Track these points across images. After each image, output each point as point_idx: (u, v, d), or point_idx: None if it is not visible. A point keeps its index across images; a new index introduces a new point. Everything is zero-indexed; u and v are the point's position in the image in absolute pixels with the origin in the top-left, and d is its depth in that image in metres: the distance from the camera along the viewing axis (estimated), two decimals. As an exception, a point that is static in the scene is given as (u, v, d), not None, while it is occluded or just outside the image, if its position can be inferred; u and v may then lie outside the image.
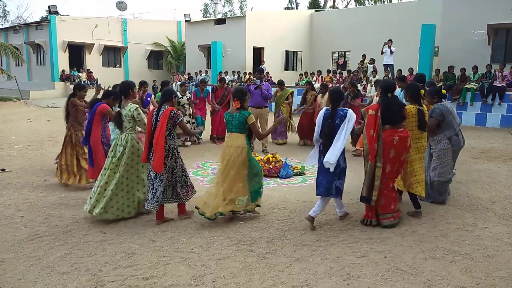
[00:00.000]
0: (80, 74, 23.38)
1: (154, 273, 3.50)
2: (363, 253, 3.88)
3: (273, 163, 7.05)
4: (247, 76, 19.64)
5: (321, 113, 4.60)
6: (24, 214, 5.00)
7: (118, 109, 5.00)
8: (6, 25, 32.23)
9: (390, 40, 15.51)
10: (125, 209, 4.75)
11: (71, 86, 22.40)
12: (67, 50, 23.85)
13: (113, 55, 26.31)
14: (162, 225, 4.57)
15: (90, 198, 4.76)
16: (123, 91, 4.85)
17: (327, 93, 6.03)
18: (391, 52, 15.37)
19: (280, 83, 10.21)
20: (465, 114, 13.00)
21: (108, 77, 24.71)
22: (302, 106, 10.06)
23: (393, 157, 4.43)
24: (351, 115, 4.42)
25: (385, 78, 15.07)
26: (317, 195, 4.57)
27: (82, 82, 23.07)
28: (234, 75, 20.49)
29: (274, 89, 10.00)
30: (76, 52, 24.57)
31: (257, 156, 7.54)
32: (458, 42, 14.93)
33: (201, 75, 22.25)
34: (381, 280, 3.37)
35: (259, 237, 4.23)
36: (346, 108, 4.56)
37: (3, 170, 7.22)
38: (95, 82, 24.00)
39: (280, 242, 4.13)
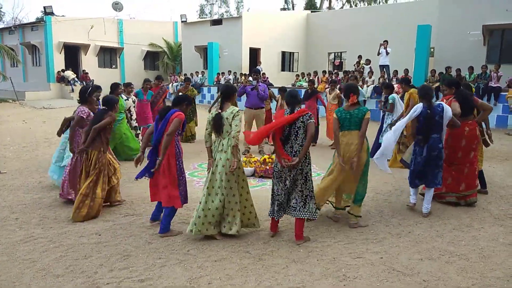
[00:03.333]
0: (65, 73, 23.12)
1: (149, 275, 3.49)
2: (359, 253, 3.88)
3: (269, 164, 7.03)
4: (243, 78, 19.65)
5: (417, 109, 4.83)
6: (19, 216, 4.97)
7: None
8: (1, 26, 32.02)
9: (386, 41, 15.55)
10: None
11: (67, 87, 22.65)
12: (62, 51, 23.74)
13: (109, 56, 26.22)
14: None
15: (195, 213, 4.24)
16: (226, 93, 4.38)
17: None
18: (387, 53, 15.41)
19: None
20: (461, 114, 13.01)
21: (104, 78, 24.61)
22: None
23: (464, 146, 5.15)
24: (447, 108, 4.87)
25: (380, 79, 15.15)
26: (412, 185, 5.03)
27: (70, 81, 22.95)
28: (229, 75, 20.50)
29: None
30: (72, 53, 24.47)
31: (254, 157, 7.57)
32: (453, 43, 14.99)
33: (197, 76, 22.25)
34: (377, 281, 3.37)
35: (255, 239, 4.22)
36: (441, 103, 4.93)
37: (-2, 171, 7.19)
38: (91, 83, 23.95)
39: (277, 243, 4.12)
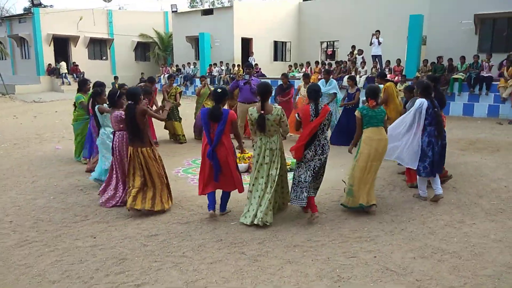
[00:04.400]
0: (60, 64, 22.92)
1: (146, 279, 3.50)
2: (353, 253, 3.93)
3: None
4: (236, 68, 19.55)
5: (423, 105, 5.12)
6: (12, 219, 4.94)
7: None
8: (-13, 18, 31.47)
9: (378, 31, 15.54)
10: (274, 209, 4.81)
11: (57, 80, 22.38)
12: (52, 43, 23.42)
13: (99, 47, 25.91)
14: (153, 228, 4.56)
15: (248, 210, 4.66)
16: (265, 93, 4.57)
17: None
18: (379, 43, 15.41)
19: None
20: (453, 104, 13.12)
21: (95, 70, 24.41)
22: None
23: None
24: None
25: (372, 69, 15.15)
26: (433, 175, 5.22)
27: (62, 74, 22.70)
28: (222, 66, 20.38)
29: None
30: (61, 45, 24.14)
31: (248, 153, 7.57)
32: (445, 32, 15.00)
33: (189, 67, 22.09)
34: (371, 281, 3.42)
35: (250, 239, 4.24)
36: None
37: (-10, 171, 7.13)
38: (81, 75, 23.71)
39: (272, 243, 4.15)
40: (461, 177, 6.34)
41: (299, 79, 16.88)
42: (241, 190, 4.83)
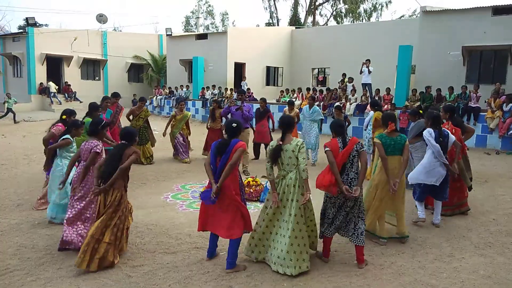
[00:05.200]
0: (48, 84, 22.76)
1: (130, 313, 3.41)
2: (342, 288, 3.87)
3: (253, 186, 7.02)
4: (229, 92, 19.68)
5: (431, 134, 5.35)
6: (-6, 245, 4.82)
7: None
8: (-19, 35, 31.47)
9: (368, 60, 15.83)
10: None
11: (48, 99, 22.21)
12: (45, 63, 23.43)
13: (92, 67, 25.97)
14: (139, 258, 4.46)
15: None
16: (288, 125, 4.27)
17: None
18: (369, 72, 15.68)
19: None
20: (442, 133, 13.27)
21: (87, 90, 24.40)
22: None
23: None
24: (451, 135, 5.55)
25: (362, 97, 15.37)
26: (443, 200, 5.56)
27: (51, 93, 22.43)
28: (214, 90, 20.50)
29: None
30: (54, 64, 24.16)
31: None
32: (434, 63, 15.33)
33: (182, 89, 22.19)
34: (360, 319, 3.36)
35: (238, 271, 4.16)
36: (445, 129, 5.56)
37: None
38: (74, 95, 23.66)
39: (260, 276, 4.08)
40: (450, 209, 6.35)
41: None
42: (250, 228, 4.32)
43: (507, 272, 4.20)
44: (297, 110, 10.35)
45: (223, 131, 4.55)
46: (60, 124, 6.03)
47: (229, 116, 8.79)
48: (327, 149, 4.36)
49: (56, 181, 5.35)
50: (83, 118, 6.72)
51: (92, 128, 4.91)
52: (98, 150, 4.66)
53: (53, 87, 22.67)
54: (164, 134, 10.02)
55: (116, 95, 8.62)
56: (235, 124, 4.30)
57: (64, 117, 6.08)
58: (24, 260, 4.44)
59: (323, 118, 9.74)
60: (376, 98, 15.00)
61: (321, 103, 15.62)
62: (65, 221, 4.70)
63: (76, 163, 4.99)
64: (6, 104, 18.53)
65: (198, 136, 12.81)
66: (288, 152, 4.15)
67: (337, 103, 12.70)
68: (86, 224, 4.69)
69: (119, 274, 4.10)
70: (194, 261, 4.39)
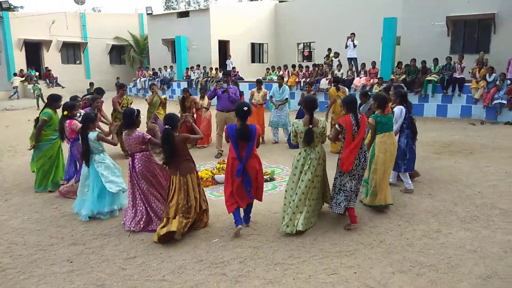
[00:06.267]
0: (13, 79, 21.82)
1: (125, 307, 3.44)
2: (333, 269, 3.95)
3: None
4: (214, 72, 19.46)
5: (403, 112, 5.94)
6: (-16, 243, 4.79)
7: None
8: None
9: (353, 34, 15.72)
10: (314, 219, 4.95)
11: (29, 86, 21.72)
12: (23, 48, 22.80)
13: (72, 51, 25.39)
14: (132, 249, 4.48)
15: (286, 217, 4.74)
16: (313, 107, 4.69)
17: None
18: (354, 46, 15.61)
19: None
20: (427, 105, 13.41)
21: (68, 75, 23.92)
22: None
23: None
24: None
25: (348, 71, 15.35)
26: (411, 171, 6.13)
27: (15, 87, 21.53)
28: (199, 69, 20.25)
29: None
30: (33, 49, 23.54)
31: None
32: (419, 34, 15.29)
33: (166, 70, 21.86)
34: (351, 300, 3.45)
35: (231, 258, 4.22)
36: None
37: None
38: (55, 80, 23.17)
39: (253, 262, 4.14)
40: (437, 183, 6.48)
41: (277, 82, 16.95)
42: (261, 199, 4.97)
43: (492, 245, 4.33)
44: (265, 90, 10.42)
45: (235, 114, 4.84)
46: (71, 120, 6.21)
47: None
48: (338, 126, 4.79)
49: (111, 173, 5.44)
50: (43, 109, 6.75)
51: (128, 120, 4.96)
52: (148, 136, 4.93)
53: (17, 81, 21.82)
54: (147, 123, 9.59)
55: (101, 91, 8.50)
56: (246, 108, 4.55)
57: (65, 113, 6.18)
58: (16, 257, 4.43)
59: (289, 97, 10.12)
60: (362, 72, 15.01)
61: (308, 80, 15.56)
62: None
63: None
64: None
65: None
66: (316, 133, 4.66)
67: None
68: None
69: (113, 267, 4.12)
70: (187, 250, 4.43)
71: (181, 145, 4.66)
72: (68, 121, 6.20)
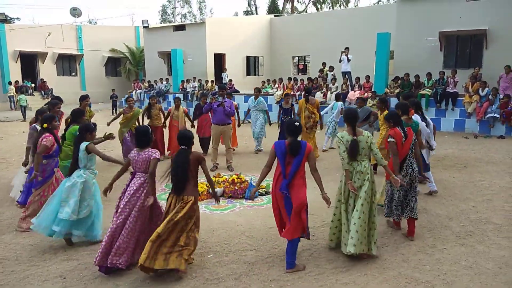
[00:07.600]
0: (10, 87, 21.74)
1: (119, 325, 3.40)
2: (329, 286, 3.93)
3: (238, 184, 7.02)
4: (210, 84, 19.54)
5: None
6: (-24, 259, 4.72)
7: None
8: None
9: (347, 48, 15.90)
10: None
11: (20, 97, 21.58)
12: (18, 60, 22.80)
13: (68, 63, 25.43)
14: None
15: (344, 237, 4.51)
16: (353, 118, 4.56)
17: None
18: (348, 60, 15.76)
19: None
20: (421, 119, 13.50)
21: (64, 87, 23.90)
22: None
23: None
24: None
25: (342, 85, 15.48)
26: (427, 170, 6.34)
27: (10, 96, 21.43)
28: (194, 82, 20.31)
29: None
30: (29, 61, 23.55)
31: (222, 177, 7.54)
32: (412, 49, 15.49)
33: (162, 82, 21.91)
34: (347, 317, 3.42)
35: (226, 274, 4.19)
36: None
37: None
38: (50, 92, 23.13)
39: (248, 278, 4.11)
40: (431, 197, 6.50)
41: (272, 95, 17.06)
42: (308, 235, 4.37)
43: (487, 261, 4.33)
44: (235, 103, 10.42)
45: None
46: (48, 134, 5.47)
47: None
48: (391, 139, 4.84)
49: (75, 193, 4.83)
50: (68, 127, 6.26)
51: (143, 139, 4.56)
52: (157, 156, 4.48)
53: (13, 90, 21.59)
54: (108, 124, 9.29)
55: (59, 99, 7.25)
56: (298, 124, 4.36)
57: (45, 125, 5.52)
58: (8, 273, 4.36)
59: (267, 109, 10.80)
60: (356, 86, 15.14)
61: (303, 93, 15.64)
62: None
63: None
64: None
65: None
66: (362, 143, 4.48)
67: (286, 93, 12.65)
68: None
69: (106, 283, 4.07)
70: (182, 266, 4.38)
71: (193, 166, 4.31)
72: (44, 135, 5.47)
